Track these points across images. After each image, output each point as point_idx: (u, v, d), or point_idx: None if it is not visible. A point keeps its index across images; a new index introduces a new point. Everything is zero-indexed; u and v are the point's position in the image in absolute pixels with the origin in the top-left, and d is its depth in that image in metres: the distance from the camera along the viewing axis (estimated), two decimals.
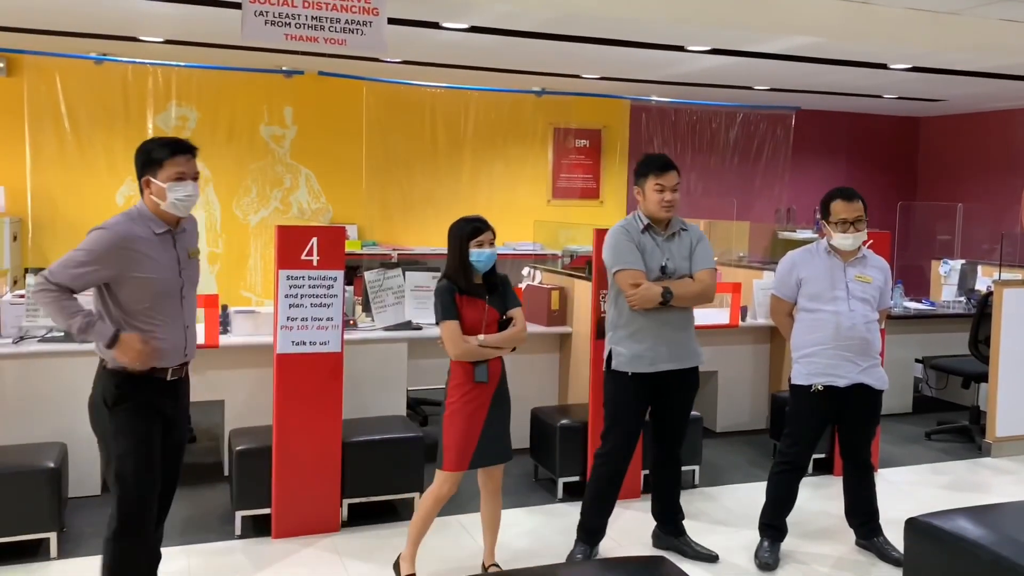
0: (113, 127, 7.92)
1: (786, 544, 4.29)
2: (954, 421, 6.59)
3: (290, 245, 4.21)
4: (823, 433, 4.35)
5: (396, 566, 3.88)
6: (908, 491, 5.28)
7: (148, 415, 3.19)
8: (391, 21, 5.12)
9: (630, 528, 4.37)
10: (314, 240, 4.24)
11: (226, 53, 7.34)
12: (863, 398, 4.12)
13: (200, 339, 4.79)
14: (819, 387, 4.06)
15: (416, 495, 4.62)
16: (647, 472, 4.65)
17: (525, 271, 6.24)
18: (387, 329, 5.32)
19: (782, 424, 4.40)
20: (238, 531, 4.36)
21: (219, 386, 5.05)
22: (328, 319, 4.29)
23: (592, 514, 4.13)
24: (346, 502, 4.49)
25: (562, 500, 4.93)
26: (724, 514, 4.81)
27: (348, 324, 5.14)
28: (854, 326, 4.03)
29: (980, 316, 6.16)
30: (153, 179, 3.15)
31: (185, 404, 3.42)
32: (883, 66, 7.35)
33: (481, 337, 3.64)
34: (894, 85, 8.49)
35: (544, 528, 4.56)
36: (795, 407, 4.21)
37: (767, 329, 6.35)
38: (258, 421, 4.77)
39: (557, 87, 9.23)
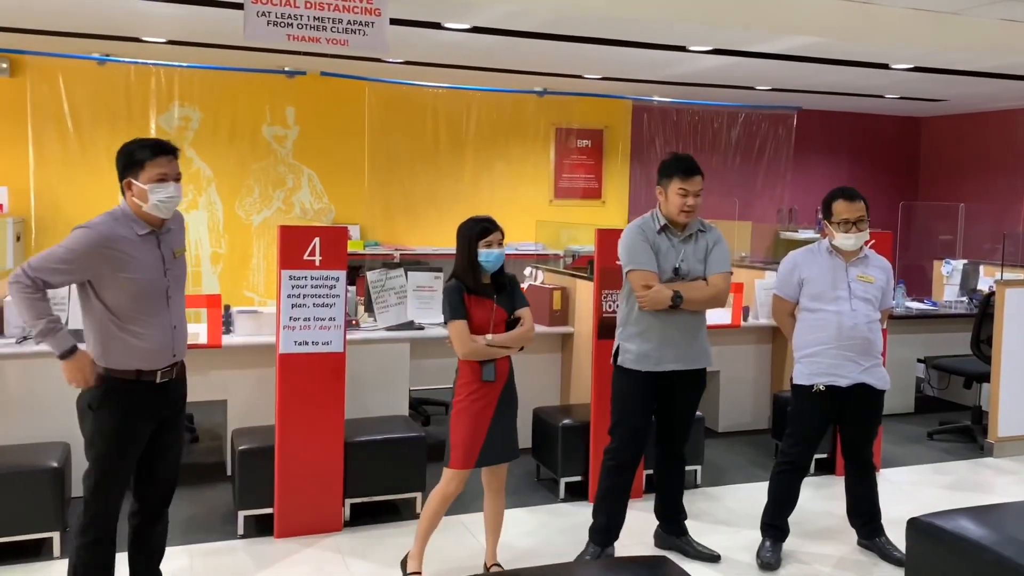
0: (116, 127, 7.92)
1: (788, 544, 4.29)
2: (956, 421, 6.59)
3: (292, 245, 4.22)
4: (825, 433, 4.36)
5: (403, 564, 3.90)
6: (910, 491, 5.28)
7: (132, 420, 3.17)
8: (393, 21, 5.12)
9: (632, 528, 4.37)
10: (316, 240, 4.24)
11: (228, 53, 7.35)
12: (865, 398, 4.12)
13: (203, 339, 4.83)
14: (821, 387, 4.07)
15: (418, 495, 4.63)
16: (650, 472, 4.65)
17: (527, 271, 6.25)
18: (389, 329, 5.32)
19: (784, 424, 4.40)
20: (240, 531, 4.36)
21: (222, 386, 5.06)
22: (330, 319, 4.30)
23: (601, 512, 4.13)
24: (348, 502, 4.50)
25: (564, 500, 4.93)
26: (726, 514, 4.81)
27: (350, 324, 5.16)
28: (856, 326, 4.03)
29: (982, 316, 6.16)
30: (135, 181, 3.11)
31: (181, 404, 3.39)
32: (884, 66, 7.34)
33: (489, 336, 3.65)
34: (895, 85, 8.49)
35: (546, 528, 4.57)
36: (797, 407, 4.21)
37: (769, 329, 6.35)
38: (260, 421, 4.78)
39: (559, 87, 9.23)
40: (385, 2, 4.93)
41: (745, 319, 6.22)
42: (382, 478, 4.57)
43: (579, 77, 8.49)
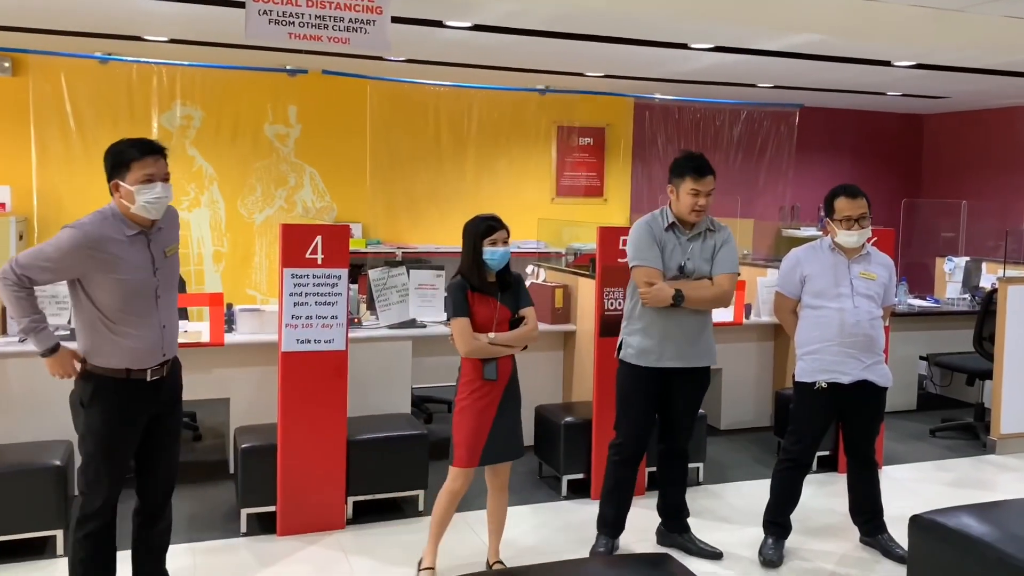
0: (118, 126, 7.92)
1: (790, 541, 4.29)
2: (958, 418, 6.58)
3: (295, 243, 4.22)
4: (827, 430, 4.35)
5: (420, 564, 3.92)
6: (912, 488, 5.28)
7: (122, 418, 3.17)
8: (395, 20, 5.12)
9: (635, 525, 4.37)
10: (318, 238, 4.25)
11: (230, 52, 7.36)
12: (867, 395, 4.12)
13: (205, 337, 4.84)
14: (823, 384, 4.07)
15: (421, 492, 4.64)
16: (652, 469, 4.65)
17: (529, 269, 6.25)
18: (391, 327, 5.33)
19: (786, 421, 4.39)
20: (243, 528, 4.37)
21: (224, 384, 5.07)
22: (332, 317, 4.30)
23: (609, 504, 4.17)
24: (351, 499, 4.50)
25: (566, 498, 4.93)
26: (728, 511, 4.82)
27: (352, 322, 5.16)
28: (858, 323, 4.03)
29: (984, 313, 6.15)
30: (121, 183, 3.09)
31: (175, 400, 3.37)
32: (887, 63, 7.34)
33: (492, 335, 3.65)
34: (898, 82, 8.48)
35: (548, 525, 4.57)
36: (799, 404, 4.21)
37: (771, 326, 6.35)
38: (263, 419, 4.78)
39: (561, 85, 9.23)
40: (387, 0, 4.94)
41: (747, 316, 6.22)
42: (384, 476, 4.57)
43: (580, 75, 8.49)
